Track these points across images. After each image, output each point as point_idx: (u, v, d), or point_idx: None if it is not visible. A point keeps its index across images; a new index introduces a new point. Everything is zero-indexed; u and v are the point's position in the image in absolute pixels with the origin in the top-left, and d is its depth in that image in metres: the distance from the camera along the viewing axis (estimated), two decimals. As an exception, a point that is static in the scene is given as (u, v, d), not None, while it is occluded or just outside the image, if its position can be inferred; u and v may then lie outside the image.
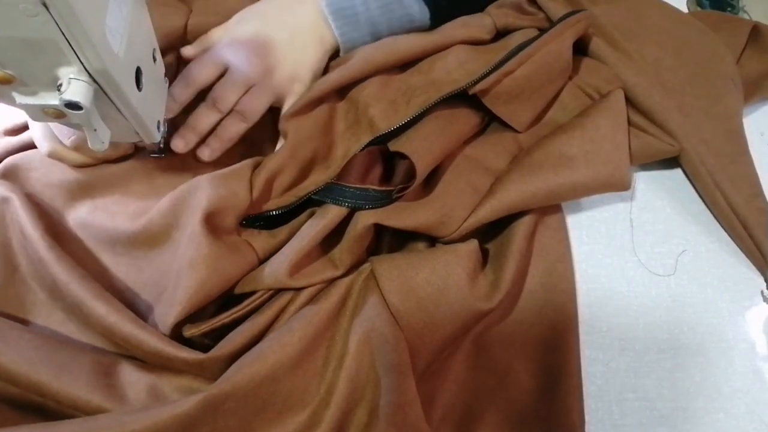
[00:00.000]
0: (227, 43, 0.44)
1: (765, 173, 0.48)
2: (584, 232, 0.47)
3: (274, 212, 0.41)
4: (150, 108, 0.37)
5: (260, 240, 0.41)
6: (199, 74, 0.43)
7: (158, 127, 0.40)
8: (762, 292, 0.45)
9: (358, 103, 0.44)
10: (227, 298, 0.40)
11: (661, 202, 0.48)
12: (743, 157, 0.48)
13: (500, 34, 0.48)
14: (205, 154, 0.44)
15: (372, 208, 0.40)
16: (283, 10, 0.45)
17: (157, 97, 0.40)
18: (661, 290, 0.45)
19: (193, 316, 0.39)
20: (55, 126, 0.41)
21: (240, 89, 0.43)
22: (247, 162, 0.42)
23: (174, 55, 0.48)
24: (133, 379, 0.36)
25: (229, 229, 0.40)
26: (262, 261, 0.40)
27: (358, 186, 0.41)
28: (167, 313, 0.36)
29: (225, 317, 0.38)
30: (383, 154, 0.45)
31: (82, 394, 0.34)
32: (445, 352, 0.40)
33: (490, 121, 0.47)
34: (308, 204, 0.41)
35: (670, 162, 0.48)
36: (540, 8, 0.48)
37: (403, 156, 0.40)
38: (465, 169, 0.43)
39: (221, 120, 0.43)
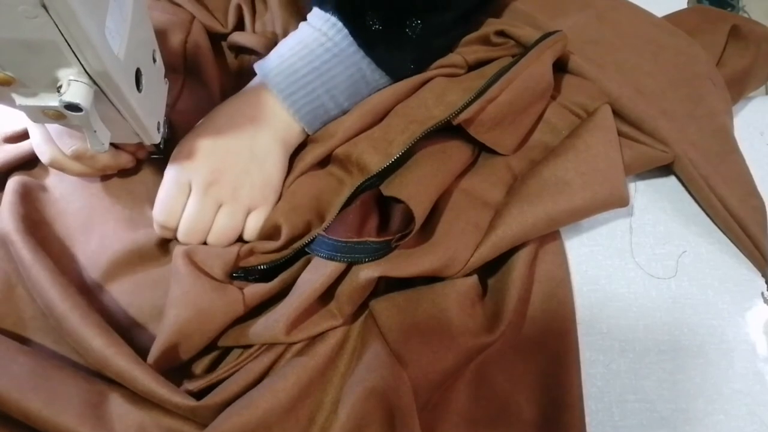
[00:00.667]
0: (187, 165, 0.41)
1: (765, 173, 0.48)
2: (585, 233, 0.47)
3: (265, 266, 0.40)
4: (150, 109, 0.37)
5: (249, 286, 0.40)
6: (170, 216, 0.41)
7: (158, 128, 0.40)
8: (762, 293, 0.45)
9: (338, 154, 0.43)
10: (226, 350, 0.40)
11: (661, 203, 0.48)
12: (733, 156, 0.48)
13: (471, 68, 0.47)
14: None
15: (370, 260, 0.39)
16: (240, 120, 0.42)
17: (157, 99, 0.40)
18: (662, 292, 0.45)
19: (189, 369, 0.39)
20: (56, 135, 0.40)
21: (210, 213, 0.41)
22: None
23: (180, 73, 0.48)
24: (122, 411, 0.35)
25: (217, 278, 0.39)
26: (248, 306, 0.39)
27: (355, 240, 0.39)
28: (150, 352, 0.36)
29: (222, 372, 0.37)
30: (377, 201, 0.44)
31: (71, 426, 0.33)
32: (446, 383, 0.40)
33: (480, 151, 0.46)
34: (302, 253, 0.41)
35: (667, 165, 0.48)
36: (508, 36, 0.48)
37: (398, 200, 0.39)
38: (464, 206, 0.42)
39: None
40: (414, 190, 0.39)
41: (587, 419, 0.40)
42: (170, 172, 0.41)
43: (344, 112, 0.44)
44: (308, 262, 0.40)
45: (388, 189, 0.40)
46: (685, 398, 0.41)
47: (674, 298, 0.44)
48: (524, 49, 0.46)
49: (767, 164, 0.50)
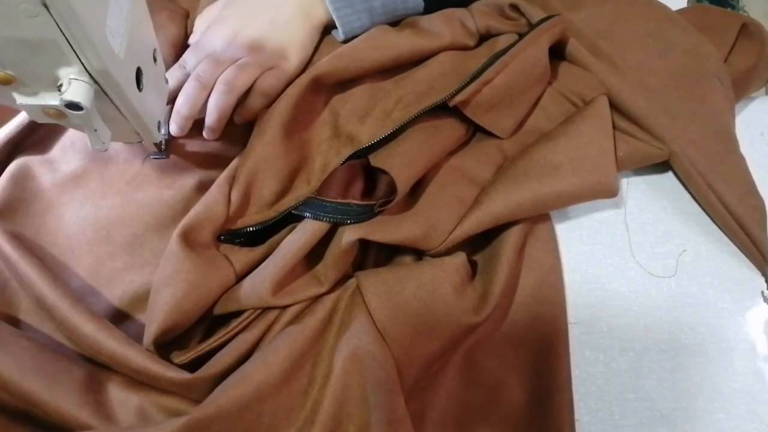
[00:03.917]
0: (214, 27, 0.46)
1: (765, 173, 0.48)
2: (585, 232, 0.47)
3: (252, 228, 0.40)
4: (150, 108, 0.37)
5: (238, 254, 0.40)
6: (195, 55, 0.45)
7: (159, 128, 0.40)
8: (762, 292, 0.45)
9: (339, 116, 0.44)
10: (214, 321, 0.40)
11: (661, 202, 0.48)
12: (733, 156, 0.48)
13: (483, 37, 0.48)
14: (207, 134, 0.44)
15: (353, 222, 0.39)
16: None
17: (158, 98, 0.40)
18: (662, 290, 0.45)
19: (182, 341, 0.39)
20: None
21: (224, 65, 0.43)
22: (224, 175, 0.41)
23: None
24: (122, 397, 0.36)
25: (206, 244, 0.39)
26: (240, 276, 0.39)
27: (339, 200, 0.40)
28: (146, 333, 0.36)
29: (212, 342, 0.38)
30: (364, 167, 0.44)
31: (71, 408, 0.33)
32: (435, 366, 0.40)
33: (475, 131, 0.47)
34: (289, 219, 0.41)
35: (667, 163, 0.48)
36: (522, 14, 0.48)
37: (384, 170, 0.40)
38: (450, 180, 0.43)
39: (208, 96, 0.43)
40: (399, 161, 0.40)
41: (587, 418, 0.40)
42: (198, 34, 0.47)
43: (366, 1, 0.46)
44: (293, 229, 0.41)
45: (375, 159, 0.41)
46: (685, 397, 0.41)
47: (674, 297, 0.44)
48: (528, 29, 0.46)
49: (767, 164, 0.50)
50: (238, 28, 0.45)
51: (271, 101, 0.44)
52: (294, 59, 0.46)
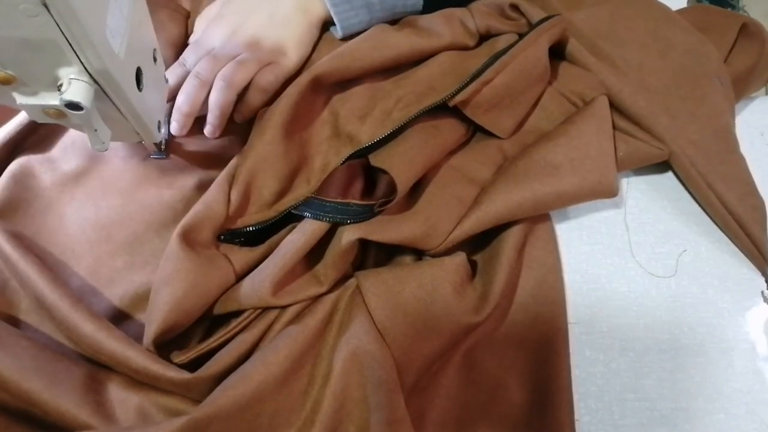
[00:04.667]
0: (213, 25, 0.46)
1: (765, 173, 0.48)
2: (585, 232, 0.47)
3: (252, 228, 0.40)
4: (150, 108, 0.37)
5: (238, 254, 0.40)
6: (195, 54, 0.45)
7: (159, 127, 0.40)
8: (762, 292, 0.45)
9: (339, 115, 0.44)
10: (214, 320, 0.40)
11: (661, 202, 0.48)
12: (733, 156, 0.48)
13: (482, 37, 0.49)
14: (209, 131, 0.44)
15: (353, 222, 0.39)
16: None
17: (158, 98, 0.40)
18: (662, 290, 0.45)
19: (182, 341, 0.39)
20: None
21: (223, 62, 0.43)
22: (224, 174, 0.41)
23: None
24: (122, 397, 0.36)
25: (206, 244, 0.39)
26: (239, 276, 0.40)
27: (339, 200, 0.40)
28: (146, 333, 0.36)
29: (212, 341, 0.38)
30: (364, 166, 0.44)
31: (71, 408, 0.33)
32: (434, 366, 0.40)
33: (475, 131, 0.47)
34: (289, 219, 0.41)
35: (667, 163, 0.48)
36: (522, 14, 0.48)
37: (384, 170, 0.40)
38: (449, 180, 0.43)
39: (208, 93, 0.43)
40: (399, 161, 0.40)
41: (587, 418, 0.40)
42: (198, 33, 0.48)
43: (369, 14, 0.46)
44: (293, 229, 0.41)
45: (375, 159, 0.41)
46: (685, 397, 0.41)
47: (674, 297, 0.44)
48: (528, 29, 0.46)
49: (767, 164, 0.50)
50: (236, 25, 0.46)
51: (270, 97, 0.44)
52: (292, 55, 0.46)
